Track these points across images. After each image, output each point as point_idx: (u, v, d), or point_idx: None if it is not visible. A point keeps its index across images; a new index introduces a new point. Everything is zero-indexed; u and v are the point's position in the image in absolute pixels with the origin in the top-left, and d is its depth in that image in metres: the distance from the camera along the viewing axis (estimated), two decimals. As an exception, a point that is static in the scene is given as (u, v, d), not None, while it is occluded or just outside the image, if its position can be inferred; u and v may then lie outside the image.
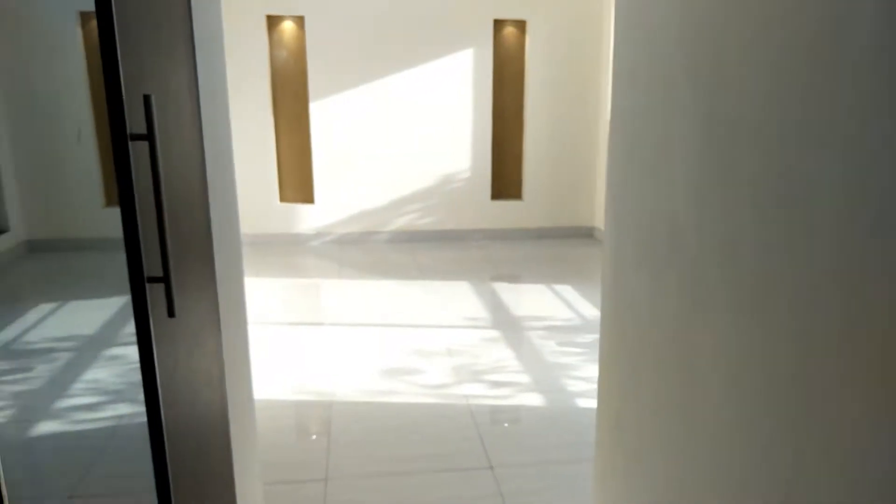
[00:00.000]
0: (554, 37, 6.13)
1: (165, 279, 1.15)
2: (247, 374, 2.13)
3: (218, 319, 1.64)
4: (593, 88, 6.25)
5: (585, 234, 6.53)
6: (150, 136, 1.06)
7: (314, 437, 2.84)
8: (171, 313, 1.17)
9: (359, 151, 6.09)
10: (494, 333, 4.01)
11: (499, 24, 6.16)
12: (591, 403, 3.11)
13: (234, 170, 2.12)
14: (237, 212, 2.06)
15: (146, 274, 1.12)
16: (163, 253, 1.15)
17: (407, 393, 3.20)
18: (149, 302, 1.12)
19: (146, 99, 1.05)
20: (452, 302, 4.59)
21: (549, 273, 5.31)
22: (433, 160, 6.19)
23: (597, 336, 3.93)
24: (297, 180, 6.23)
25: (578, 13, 6.12)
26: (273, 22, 5.92)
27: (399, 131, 6.11)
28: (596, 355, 3.67)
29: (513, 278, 5.28)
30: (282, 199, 6.21)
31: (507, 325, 4.17)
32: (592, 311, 4.39)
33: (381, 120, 6.06)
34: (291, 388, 3.28)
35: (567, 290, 4.82)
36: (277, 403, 3.11)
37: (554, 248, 6.13)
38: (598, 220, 6.40)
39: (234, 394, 1.90)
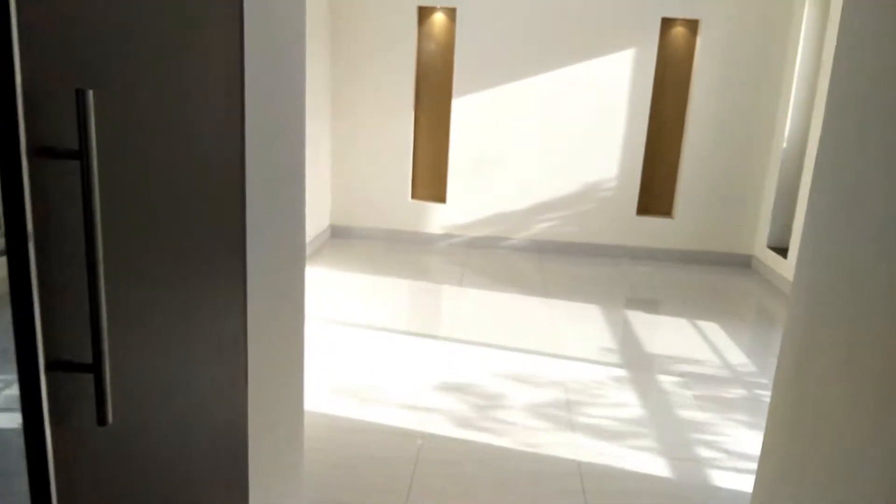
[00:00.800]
0: (730, 40, 5.43)
1: (96, 367, 0.78)
2: (295, 386, 1.85)
3: (244, 332, 1.36)
4: (770, 102, 5.48)
5: (742, 262, 5.77)
6: (82, 153, 0.73)
7: (387, 478, 2.54)
8: (101, 421, 0.81)
9: (498, 152, 5.75)
10: (620, 372, 3.52)
11: (667, 23, 5.55)
12: (733, 482, 2.56)
13: (304, 164, 1.85)
14: (302, 210, 1.80)
15: (54, 357, 0.75)
16: (94, 328, 0.78)
17: (507, 433, 2.82)
18: (45, 403, 0.75)
19: (80, 96, 0.73)
20: (577, 326, 4.13)
21: (695, 306, 4.69)
22: (577, 166, 5.71)
23: (744, 392, 3.34)
24: (431, 178, 6.01)
25: (762, 15, 5.37)
26: (424, 13, 5.70)
27: (543, 133, 5.69)
28: (743, 416, 3.09)
29: (651, 307, 4.72)
30: (414, 196, 6.01)
31: (636, 363, 3.65)
32: (741, 359, 3.75)
33: (525, 121, 5.67)
34: (376, 409, 3.00)
35: (713, 330, 4.20)
36: (354, 425, 2.85)
37: (703, 275, 5.45)
38: (759, 248, 5.62)
39: (269, 411, 1.62)
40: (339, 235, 6.01)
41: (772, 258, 5.38)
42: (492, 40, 5.57)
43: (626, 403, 3.17)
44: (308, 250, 5.40)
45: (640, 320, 4.32)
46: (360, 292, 4.57)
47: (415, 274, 5.20)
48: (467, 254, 5.73)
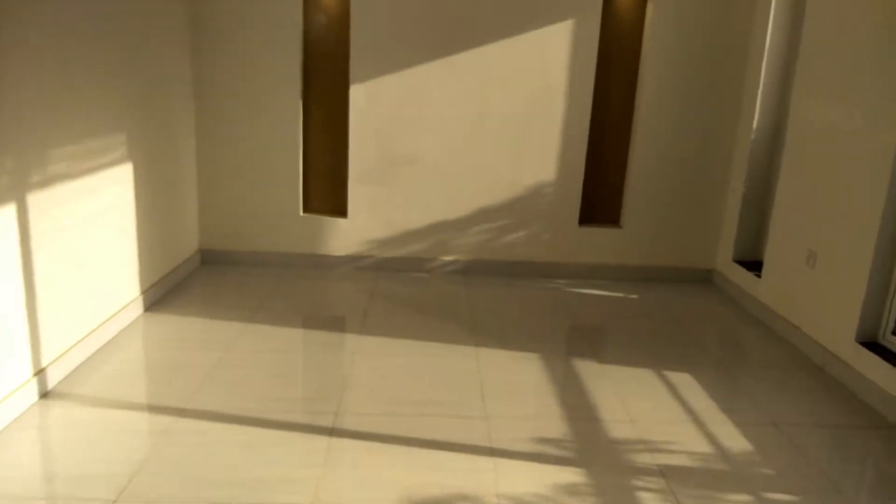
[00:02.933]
0: (687, 10, 4.45)
1: None
2: None
3: None
4: (735, 85, 4.54)
5: (701, 278, 4.85)
6: None
7: None
8: None
9: (410, 152, 4.62)
10: (578, 477, 2.47)
11: (607, -10, 4.54)
12: None
13: None
14: None
15: None
16: None
17: None
18: None
19: None
20: (514, 397, 3.08)
21: (657, 346, 3.71)
22: (507, 168, 4.65)
23: (751, 499, 2.32)
24: (327, 186, 4.82)
25: (719, -22, 4.42)
26: (307, -23, 4.49)
27: (465, 128, 4.59)
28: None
29: (603, 352, 3.71)
30: (307, 210, 4.81)
31: (598, 458, 2.62)
32: (732, 432, 2.78)
33: (443, 111, 4.56)
34: None
35: (687, 384, 3.22)
36: None
37: (660, 298, 4.50)
38: (723, 262, 4.72)
39: None
40: (212, 262, 4.76)
41: (739, 275, 4.47)
42: (397, 11, 4.41)
43: (592, 541, 2.13)
44: (165, 285, 4.14)
45: (593, 377, 3.29)
46: (223, 351, 3.37)
47: (301, 316, 4.03)
48: (375, 281, 4.59)
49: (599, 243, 4.80)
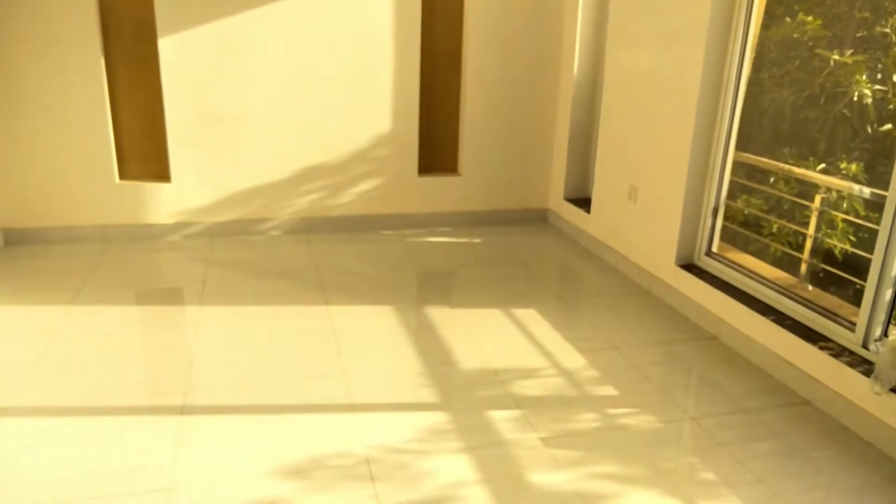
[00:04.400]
0: (502, -45, 4.52)
1: None
2: None
3: None
4: (553, 31, 4.71)
5: (537, 218, 5.10)
6: None
7: None
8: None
9: (234, 107, 4.34)
10: (440, 419, 2.53)
11: (428, -65, 4.48)
12: None
13: None
14: None
15: None
16: None
17: None
18: None
19: None
20: (372, 352, 3.07)
21: (502, 286, 3.86)
22: (341, 120, 4.52)
23: (600, 420, 2.47)
24: (145, 149, 4.42)
25: (535, -76, 4.52)
26: (97, -86, 3.99)
27: (293, 80, 4.38)
28: (616, 467, 2.28)
29: (453, 297, 3.79)
30: (123, 177, 4.39)
31: (457, 398, 2.69)
32: (577, 359, 2.98)
33: (267, 63, 4.31)
34: None
35: (535, 321, 3.39)
36: None
37: (500, 240, 4.67)
38: (555, 201, 4.98)
39: None
40: (19, 242, 4.23)
41: (571, 212, 4.74)
42: (205, -44, 4.06)
43: (460, 477, 2.20)
44: (-41, 277, 3.62)
45: (445, 321, 3.36)
46: (46, 340, 3.03)
47: (132, 292, 3.72)
48: (210, 248, 4.33)
49: (439, 192, 4.86)
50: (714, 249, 3.53)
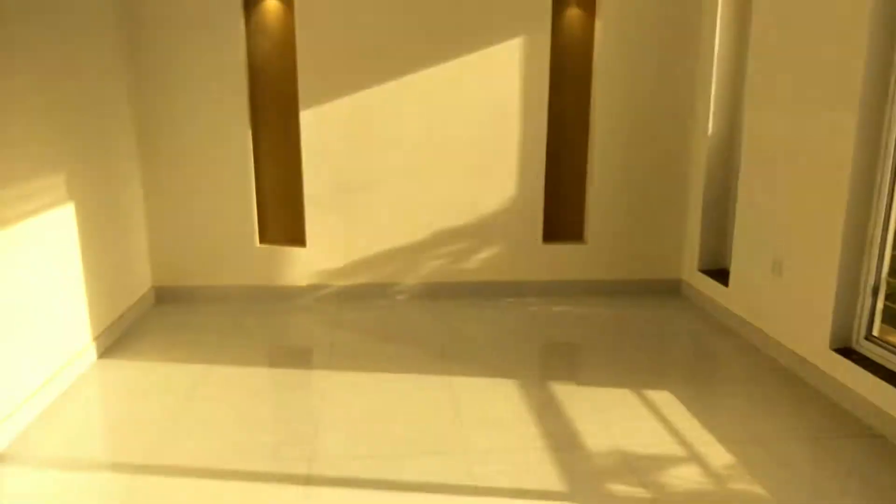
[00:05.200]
0: (632, 19, 4.47)
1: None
2: None
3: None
4: (687, 91, 4.57)
5: (669, 289, 4.85)
6: None
7: None
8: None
9: (366, 175, 4.50)
10: (568, 511, 2.39)
11: (559, 4, 4.52)
12: None
13: None
14: None
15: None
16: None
17: None
18: None
19: None
20: (492, 429, 2.97)
21: (633, 364, 3.66)
22: (466, 188, 4.57)
23: None
24: (283, 215, 4.67)
25: (667, -9, 4.45)
26: (252, 0, 4.35)
27: (421, 149, 4.50)
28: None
29: (580, 372, 3.64)
30: (263, 240, 4.64)
31: (585, 488, 2.53)
32: (718, 452, 2.73)
33: (397, 134, 4.46)
34: None
35: (670, 405, 3.17)
36: None
37: (629, 313, 4.47)
38: (689, 271, 4.72)
39: None
40: (168, 300, 4.55)
41: (706, 285, 4.47)
42: (344, 31, 4.31)
43: (590, 582, 2.04)
44: (118, 328, 3.92)
45: (570, 400, 3.21)
46: (184, 398, 3.19)
47: (264, 353, 3.86)
48: (339, 310, 4.45)
49: (564, 259, 4.76)
50: (875, 333, 3.17)
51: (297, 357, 3.83)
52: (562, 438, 2.86)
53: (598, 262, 4.77)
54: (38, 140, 3.16)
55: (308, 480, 2.54)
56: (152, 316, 4.30)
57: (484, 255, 4.68)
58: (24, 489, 2.51)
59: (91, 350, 3.61)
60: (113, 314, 3.91)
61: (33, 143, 3.13)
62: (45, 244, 3.21)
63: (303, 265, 4.60)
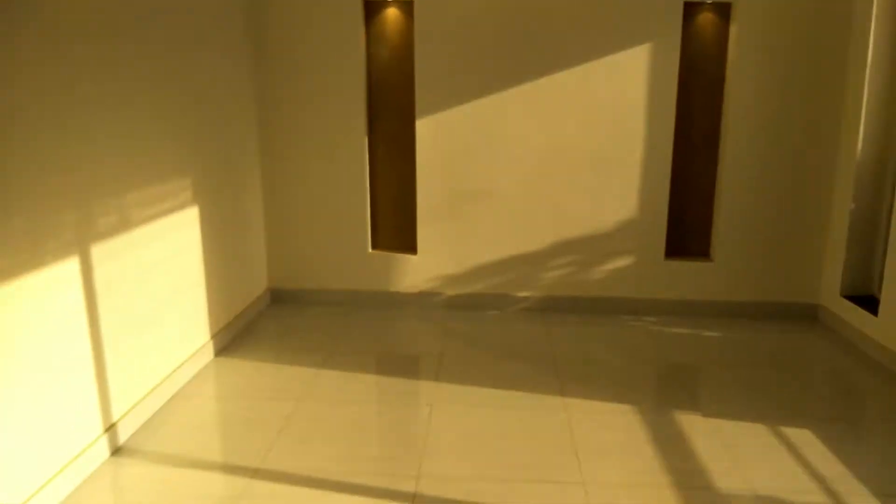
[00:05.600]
0: (773, 23, 4.12)
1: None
2: None
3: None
4: (833, 100, 4.16)
5: (805, 314, 4.43)
6: None
7: None
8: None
9: (481, 184, 4.40)
10: (697, 560, 2.16)
11: (691, 9, 4.25)
12: None
13: None
14: None
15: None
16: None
17: None
18: None
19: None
20: (611, 460, 2.77)
21: (767, 396, 3.34)
22: (585, 199, 4.38)
23: None
24: (396, 222, 4.65)
25: (814, -10, 4.08)
26: (372, 9, 4.37)
27: (539, 157, 4.35)
28: None
29: (706, 404, 3.36)
30: (375, 247, 4.64)
31: (717, 533, 2.29)
32: (874, 510, 2.41)
33: (515, 142, 4.34)
34: None
35: (811, 446, 2.84)
36: None
37: (761, 335, 4.12)
38: (829, 296, 4.30)
39: None
40: (282, 301, 4.63)
41: (850, 312, 4.04)
42: (463, 39, 4.24)
43: None
44: (235, 327, 4.02)
45: (698, 434, 2.95)
46: (296, 401, 3.19)
47: (374, 360, 3.83)
48: (448, 320, 4.37)
49: (688, 277, 4.46)
50: None
51: (406, 366, 3.78)
52: (689, 475, 2.62)
53: (726, 280, 4.43)
54: (169, 145, 3.28)
55: (415, 499, 2.45)
56: (267, 316, 4.39)
57: (601, 268, 4.46)
58: (140, 486, 2.57)
59: (209, 347, 3.70)
60: (230, 313, 4.01)
61: (167, 149, 3.24)
62: (171, 243, 3.31)
63: (414, 272, 4.56)
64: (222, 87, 3.87)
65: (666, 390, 3.50)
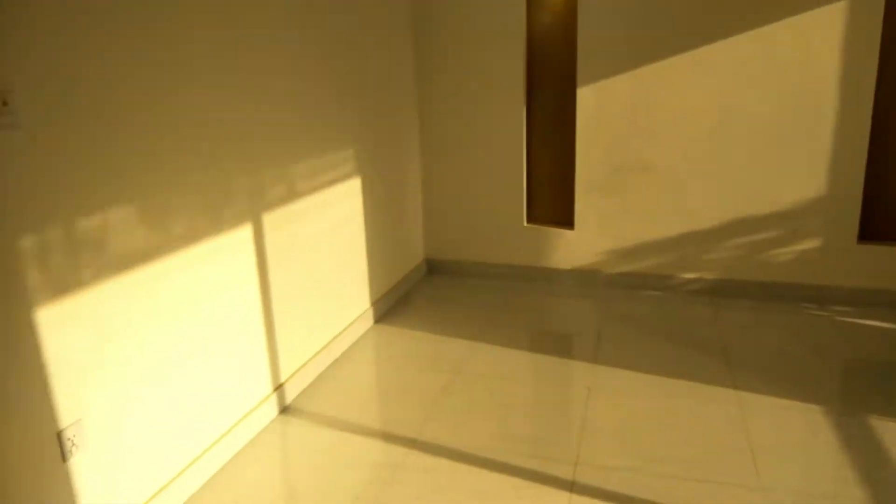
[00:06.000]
0: None
1: None
2: None
3: None
4: None
5: None
6: None
7: None
8: None
9: (644, 156, 4.14)
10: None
11: (906, -46, 3.67)
12: None
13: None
14: None
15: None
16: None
17: None
18: None
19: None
20: (796, 465, 2.50)
21: None
22: (763, 175, 3.98)
23: None
24: (552, 195, 4.50)
25: None
26: (539, -28, 4.19)
27: (711, 130, 4.00)
28: None
29: (908, 405, 2.96)
30: (530, 220, 4.53)
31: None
32: None
33: (684, 113, 4.01)
34: None
35: None
36: None
37: (976, 336, 3.56)
38: None
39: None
40: (438, 271, 4.67)
41: None
42: (631, 3, 3.96)
43: None
44: (393, 296, 4.11)
45: (899, 440, 2.60)
46: (452, 373, 3.19)
47: (529, 335, 3.75)
48: (606, 298, 4.18)
49: (886, 263, 3.94)
50: None
51: (562, 344, 3.66)
52: (892, 492, 2.30)
53: (932, 270, 3.87)
54: (334, 121, 3.35)
55: (573, 488, 2.35)
56: (423, 287, 4.43)
57: (780, 251, 4.06)
58: (305, 445, 2.68)
59: (369, 314, 3.80)
60: (390, 282, 4.09)
61: (336, 119, 3.32)
62: (335, 213, 3.40)
63: (570, 248, 4.40)
64: (384, 58, 3.90)
65: (857, 390, 3.11)
